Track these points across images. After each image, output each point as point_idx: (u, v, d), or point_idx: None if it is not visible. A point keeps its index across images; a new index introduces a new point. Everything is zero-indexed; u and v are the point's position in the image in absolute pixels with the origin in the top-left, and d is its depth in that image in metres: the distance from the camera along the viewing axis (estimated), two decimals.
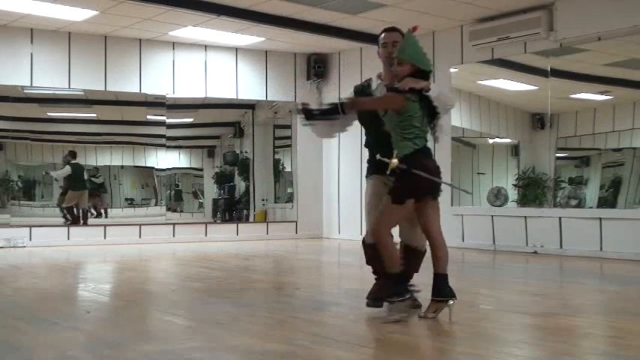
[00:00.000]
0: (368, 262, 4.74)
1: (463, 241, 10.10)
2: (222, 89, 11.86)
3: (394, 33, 4.84)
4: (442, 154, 10.38)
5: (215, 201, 12.91)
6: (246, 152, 12.84)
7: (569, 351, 3.73)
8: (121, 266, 8.24)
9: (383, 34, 4.83)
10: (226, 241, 11.47)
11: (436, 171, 4.41)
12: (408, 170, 4.28)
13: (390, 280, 4.30)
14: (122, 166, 12.35)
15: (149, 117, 12.14)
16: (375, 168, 4.64)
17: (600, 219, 8.62)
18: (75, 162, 11.41)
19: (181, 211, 12.76)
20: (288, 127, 12.72)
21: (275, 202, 12.80)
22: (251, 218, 12.55)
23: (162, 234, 11.21)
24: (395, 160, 4.36)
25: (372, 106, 4.59)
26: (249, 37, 10.87)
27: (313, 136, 4.95)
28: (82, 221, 11.31)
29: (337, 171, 12.23)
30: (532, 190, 9.66)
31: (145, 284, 6.77)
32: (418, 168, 4.29)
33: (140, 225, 11.23)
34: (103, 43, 10.87)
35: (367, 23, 9.96)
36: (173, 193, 12.77)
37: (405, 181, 4.31)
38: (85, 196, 11.49)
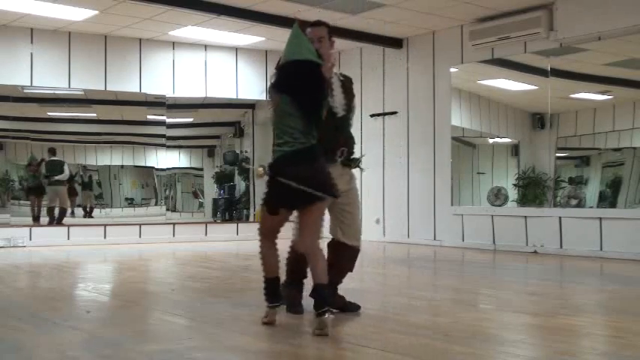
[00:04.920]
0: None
1: (463, 240, 10.10)
2: (222, 89, 11.86)
3: (319, 28, 4.48)
4: (442, 153, 10.46)
5: (215, 201, 12.91)
6: (246, 152, 12.84)
7: (569, 351, 3.73)
8: (121, 266, 8.24)
9: (308, 29, 4.45)
10: (226, 240, 11.47)
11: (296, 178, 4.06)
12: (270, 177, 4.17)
13: (265, 284, 4.27)
14: (122, 166, 12.36)
15: (149, 117, 12.14)
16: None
17: (600, 219, 8.62)
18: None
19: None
20: None
21: None
22: (251, 218, 12.54)
23: (162, 234, 11.21)
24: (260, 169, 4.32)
25: None
26: (249, 36, 10.88)
27: None
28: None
29: None
30: (532, 190, 9.66)
31: (145, 284, 6.76)
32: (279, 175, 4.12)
33: (140, 225, 11.24)
34: (103, 43, 10.87)
35: (367, 23, 9.97)
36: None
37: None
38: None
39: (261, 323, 4.19)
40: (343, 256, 4.62)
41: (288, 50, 4.21)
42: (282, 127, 4.17)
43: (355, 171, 4.72)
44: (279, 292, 4.30)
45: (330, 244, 4.65)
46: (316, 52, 4.23)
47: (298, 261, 4.56)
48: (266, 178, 4.24)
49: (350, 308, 4.67)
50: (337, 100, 4.46)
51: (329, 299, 4.11)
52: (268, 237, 4.28)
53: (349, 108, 4.59)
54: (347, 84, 4.67)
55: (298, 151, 4.10)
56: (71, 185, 11.68)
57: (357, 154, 4.74)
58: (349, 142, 4.61)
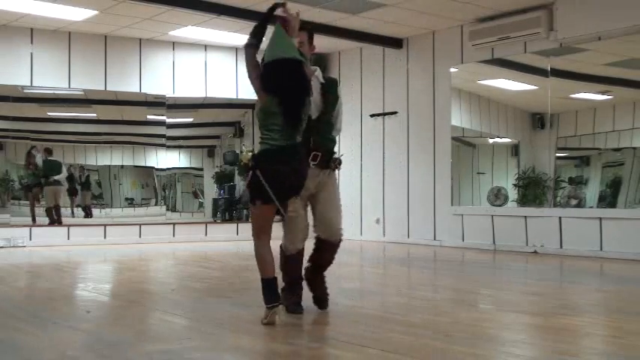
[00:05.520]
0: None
1: (463, 240, 10.10)
2: (222, 89, 11.87)
3: (300, 32, 4.59)
4: (442, 153, 10.46)
5: (215, 201, 12.91)
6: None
7: (569, 351, 3.73)
8: (121, 266, 8.24)
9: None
10: (226, 240, 11.47)
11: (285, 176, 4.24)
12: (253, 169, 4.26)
13: (263, 285, 4.31)
14: (122, 166, 12.35)
15: (149, 117, 12.14)
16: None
17: (600, 219, 8.62)
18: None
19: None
20: None
21: None
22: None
23: (162, 234, 11.22)
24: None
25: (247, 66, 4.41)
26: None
27: None
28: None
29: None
30: (532, 190, 9.66)
31: (145, 284, 6.77)
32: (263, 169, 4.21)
33: (140, 225, 11.24)
34: (103, 43, 10.87)
35: (367, 23, 9.97)
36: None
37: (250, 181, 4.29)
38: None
39: (261, 324, 4.19)
40: (323, 249, 4.73)
41: (274, 49, 4.28)
42: (269, 126, 4.23)
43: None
44: (278, 292, 4.32)
45: (315, 239, 4.77)
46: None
47: (291, 262, 4.63)
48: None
49: (319, 304, 4.72)
50: (314, 101, 4.48)
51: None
52: (262, 237, 4.34)
53: (325, 110, 4.61)
54: (327, 87, 4.68)
55: (283, 147, 4.21)
56: (72, 185, 11.69)
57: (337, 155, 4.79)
58: (325, 144, 4.62)
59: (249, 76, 4.36)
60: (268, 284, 4.26)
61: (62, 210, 11.30)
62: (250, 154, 4.43)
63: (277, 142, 4.20)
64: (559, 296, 5.90)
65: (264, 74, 4.27)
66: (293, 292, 4.66)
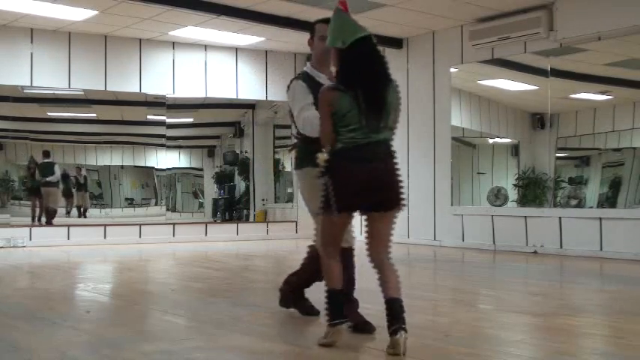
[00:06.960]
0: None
1: (463, 241, 10.10)
2: (222, 89, 11.86)
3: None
4: (442, 154, 10.45)
5: (215, 201, 12.92)
6: (246, 152, 12.84)
7: (569, 351, 3.73)
8: (121, 266, 8.24)
9: (320, 25, 4.21)
10: (226, 241, 11.47)
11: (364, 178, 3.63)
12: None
13: (327, 297, 3.72)
14: (122, 166, 12.36)
15: (149, 117, 12.15)
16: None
17: (600, 219, 8.62)
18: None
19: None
20: (288, 127, 12.71)
21: (275, 202, 12.81)
22: (251, 218, 12.55)
23: (162, 234, 11.21)
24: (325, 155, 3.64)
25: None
26: (249, 37, 10.87)
27: None
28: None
29: None
30: (532, 190, 9.67)
31: (145, 284, 6.77)
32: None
33: (140, 225, 11.24)
34: (103, 43, 10.87)
35: (367, 23, 9.85)
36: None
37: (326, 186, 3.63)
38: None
39: (317, 345, 3.64)
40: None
41: (347, 28, 3.77)
42: (346, 127, 3.62)
43: None
44: (342, 307, 3.73)
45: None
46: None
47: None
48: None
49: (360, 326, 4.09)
50: None
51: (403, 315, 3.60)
52: (332, 247, 3.76)
53: None
54: None
55: (360, 145, 3.64)
56: (67, 186, 11.69)
57: None
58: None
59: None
60: (333, 297, 3.69)
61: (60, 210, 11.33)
62: (326, 154, 3.62)
63: (354, 141, 3.59)
64: (559, 296, 5.90)
65: (349, 61, 3.68)
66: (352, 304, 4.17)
